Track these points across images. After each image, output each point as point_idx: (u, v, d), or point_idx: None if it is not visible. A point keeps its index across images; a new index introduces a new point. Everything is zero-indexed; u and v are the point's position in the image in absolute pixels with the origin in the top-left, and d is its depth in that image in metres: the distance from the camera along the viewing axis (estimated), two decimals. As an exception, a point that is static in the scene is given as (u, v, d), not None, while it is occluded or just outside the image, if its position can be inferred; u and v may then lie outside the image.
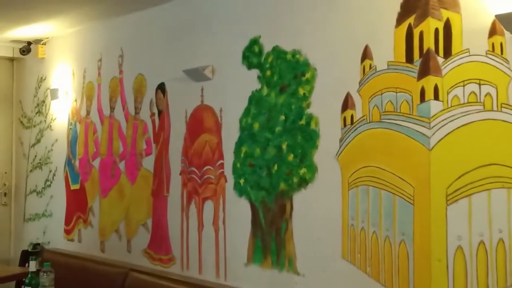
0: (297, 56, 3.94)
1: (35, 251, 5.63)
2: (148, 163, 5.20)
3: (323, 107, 3.77)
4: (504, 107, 2.92)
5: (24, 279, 4.37)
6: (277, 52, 4.08)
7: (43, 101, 6.72)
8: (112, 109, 5.68)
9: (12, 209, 7.15)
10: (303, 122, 3.88)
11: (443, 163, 3.13)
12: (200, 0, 4.77)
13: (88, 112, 6.03)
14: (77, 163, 6.13)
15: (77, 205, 6.11)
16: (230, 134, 4.41)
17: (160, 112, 5.12)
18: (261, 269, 4.13)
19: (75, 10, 5.43)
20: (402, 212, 3.30)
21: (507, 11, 2.85)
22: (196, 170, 4.72)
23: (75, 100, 6.22)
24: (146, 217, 5.20)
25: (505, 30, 2.92)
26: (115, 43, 5.66)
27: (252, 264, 4.20)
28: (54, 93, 6.41)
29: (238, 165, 4.35)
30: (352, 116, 3.59)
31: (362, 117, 3.54)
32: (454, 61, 3.12)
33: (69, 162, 6.26)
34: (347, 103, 3.63)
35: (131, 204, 5.39)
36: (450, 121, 3.11)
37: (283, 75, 4.03)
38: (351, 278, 3.56)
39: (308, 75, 3.87)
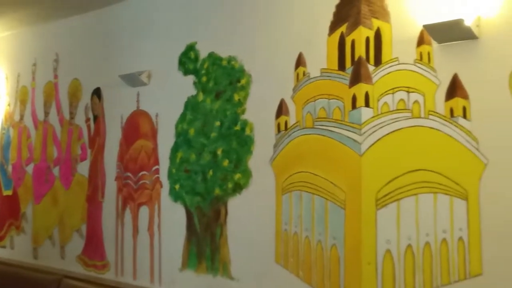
0: (233, 62, 3.95)
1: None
2: (83, 168, 5.12)
3: (258, 113, 3.79)
4: (431, 115, 2.98)
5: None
6: (213, 58, 4.09)
7: (-25, 106, 6.54)
8: (46, 114, 5.57)
9: None
10: (238, 127, 3.89)
11: (373, 169, 3.19)
12: (136, 6, 4.72)
13: (21, 117, 5.89)
14: (10, 169, 5.99)
15: (9, 211, 5.96)
16: (166, 140, 4.39)
17: (95, 117, 5.05)
18: (196, 274, 4.11)
19: (9, 13, 5.33)
20: (334, 217, 3.34)
21: (435, 22, 2.91)
22: (131, 176, 4.67)
23: (9, 105, 6.08)
24: (81, 223, 5.11)
25: (432, 40, 2.99)
26: (50, 47, 5.55)
27: (187, 269, 4.18)
28: (-14, 98, 6.25)
29: (174, 170, 4.32)
30: (286, 122, 3.62)
31: (296, 123, 3.57)
32: (384, 69, 3.18)
33: (1, 167, 6.10)
34: (281, 109, 3.65)
35: (65, 210, 5.29)
36: (380, 127, 3.17)
37: (218, 81, 4.04)
38: (284, 282, 3.57)
39: (243, 82, 3.88)
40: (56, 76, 5.48)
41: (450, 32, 2.88)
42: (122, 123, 4.78)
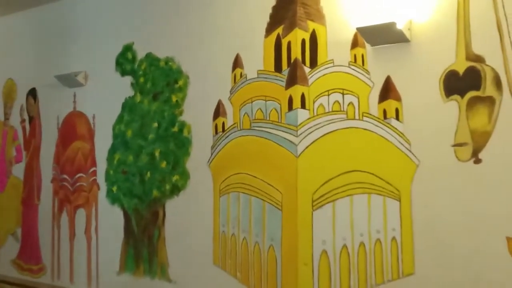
0: (170, 63, 3.92)
1: None
2: (18, 170, 5.01)
3: (196, 115, 3.77)
4: (365, 116, 3.02)
5: None
6: (150, 59, 4.05)
7: None
8: (-21, 114, 5.44)
9: None
10: (175, 129, 3.87)
11: (309, 170, 3.20)
12: (72, 5, 4.65)
13: (-47, 118, 5.74)
14: None
15: None
16: (103, 141, 4.33)
17: (31, 119, 4.95)
18: (133, 278, 4.07)
19: None
20: (271, 218, 3.35)
21: (368, 25, 2.94)
22: (68, 178, 4.59)
23: None
24: (16, 226, 5.00)
25: (366, 43, 3.02)
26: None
27: (125, 273, 4.13)
28: None
29: (111, 172, 4.27)
30: (223, 124, 3.62)
31: (233, 124, 3.56)
32: (320, 71, 3.20)
33: None
34: (218, 111, 3.64)
35: (0, 213, 5.16)
36: (316, 129, 3.18)
37: (156, 82, 4.00)
38: (222, 284, 3.57)
39: (180, 83, 3.86)
40: (-11, 76, 5.36)
41: (383, 35, 2.91)
42: (58, 124, 4.70)
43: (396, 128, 2.91)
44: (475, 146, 2.67)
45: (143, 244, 4.02)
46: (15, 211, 5.02)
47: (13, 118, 5.10)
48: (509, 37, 2.60)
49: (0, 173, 5.19)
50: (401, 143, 2.89)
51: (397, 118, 2.91)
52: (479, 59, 2.67)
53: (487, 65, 2.65)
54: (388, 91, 2.95)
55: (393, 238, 2.90)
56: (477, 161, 2.66)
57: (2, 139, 5.19)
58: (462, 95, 2.71)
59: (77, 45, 4.59)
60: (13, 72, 5.13)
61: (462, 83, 2.71)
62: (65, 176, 4.62)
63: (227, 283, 3.54)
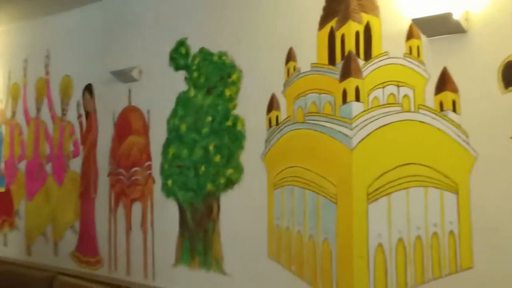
0: (223, 58, 3.94)
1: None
2: (76, 165, 5.12)
3: (249, 108, 3.79)
4: (421, 108, 2.99)
5: None
6: (204, 54, 4.08)
7: (-33, 103, 6.53)
8: (38, 110, 5.56)
9: None
10: (229, 123, 3.89)
11: (364, 163, 3.19)
12: (127, 1, 4.71)
13: (13, 114, 5.88)
14: (2, 166, 5.98)
15: (2, 209, 5.95)
16: (158, 136, 4.38)
17: (87, 114, 5.04)
18: (189, 270, 4.12)
19: (-1, 9, 5.32)
20: (326, 211, 3.35)
21: (423, 16, 2.91)
22: (124, 172, 4.67)
23: (0, 101, 6.06)
24: (74, 219, 5.11)
25: (421, 34, 2.99)
26: (41, 43, 5.54)
27: (180, 265, 4.18)
28: (-22, 95, 6.24)
29: (166, 166, 4.32)
30: (277, 117, 3.62)
31: (287, 118, 3.57)
32: (374, 63, 3.18)
33: (-6, 165, 6.11)
34: (272, 104, 3.65)
35: (58, 207, 5.28)
36: (371, 122, 3.17)
37: (209, 76, 4.03)
38: (276, 277, 3.58)
39: (234, 77, 3.88)
40: (47, 73, 5.47)
41: (439, 26, 2.87)
42: (114, 119, 4.78)
43: (453, 120, 2.87)
44: (535, 138, 2.62)
45: (198, 237, 4.06)
46: (73, 204, 5.13)
47: (70, 113, 5.20)
48: None
49: (58, 167, 5.30)
50: (458, 135, 2.85)
51: (454, 110, 2.87)
52: (539, 49, 2.62)
53: (547, 55, 2.60)
54: (444, 82, 2.91)
55: (451, 232, 2.87)
56: (538, 153, 2.61)
57: (59, 134, 5.30)
58: (521, 86, 2.67)
59: (131, 41, 4.66)
60: (70, 69, 5.24)
61: (521, 73, 2.67)
62: (121, 170, 4.70)
63: (282, 276, 3.55)
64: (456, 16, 2.81)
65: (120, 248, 4.68)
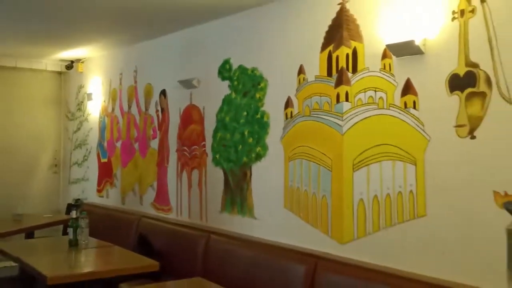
0: (255, 71, 3.92)
1: (76, 204, 5.53)
2: (154, 144, 5.15)
3: (272, 106, 3.76)
4: (391, 106, 2.94)
5: (68, 223, 4.31)
6: (242, 69, 4.06)
7: (82, 102, 6.58)
8: (129, 107, 5.59)
9: (60, 175, 7.02)
10: (258, 116, 3.88)
11: (351, 143, 3.16)
12: (193, 33, 4.70)
13: (113, 109, 5.93)
14: (105, 144, 6.04)
15: (105, 173, 6.02)
16: (210, 124, 4.38)
17: (162, 110, 5.06)
18: (230, 215, 4.13)
19: (102, 40, 5.34)
20: (324, 177, 3.33)
21: (394, 42, 2.87)
22: (187, 149, 4.69)
23: (104, 101, 6.11)
24: (153, 180, 5.15)
25: (392, 55, 2.94)
26: (131, 62, 5.56)
27: (225, 212, 4.20)
28: (89, 96, 6.29)
29: (215, 145, 4.33)
30: (291, 112, 3.60)
31: (298, 113, 3.54)
32: (359, 75, 3.14)
33: (100, 144, 6.16)
34: (288, 103, 3.63)
35: (143, 172, 5.33)
36: (356, 115, 3.13)
37: (245, 84, 4.02)
38: (290, 221, 3.58)
39: (262, 85, 3.86)
40: (135, 82, 5.50)
41: (405, 49, 2.83)
42: (180, 113, 4.79)
43: (413, 115, 2.83)
44: (471, 126, 2.57)
45: (237, 193, 4.07)
46: (152, 171, 5.16)
47: (151, 109, 5.22)
48: (497, 49, 2.48)
49: (143, 146, 5.34)
50: (417, 125, 2.81)
51: (414, 107, 2.83)
52: (475, 65, 2.56)
53: (481, 69, 2.53)
54: (408, 88, 2.87)
55: (411, 191, 2.84)
56: (472, 137, 2.56)
57: (143, 123, 5.34)
58: (462, 91, 2.61)
59: (193, 60, 4.65)
60: (151, 79, 5.25)
61: (462, 82, 2.61)
62: (185, 147, 4.71)
63: (293, 220, 3.55)
64: (417, 42, 2.76)
65: (184, 200, 4.71)
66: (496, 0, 2.49)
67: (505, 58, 2.43)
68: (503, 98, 2.44)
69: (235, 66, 4.13)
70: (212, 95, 4.36)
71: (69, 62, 6.52)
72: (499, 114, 2.45)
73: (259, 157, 3.87)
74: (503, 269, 2.39)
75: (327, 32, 3.35)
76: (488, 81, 2.50)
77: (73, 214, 4.22)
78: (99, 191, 6.15)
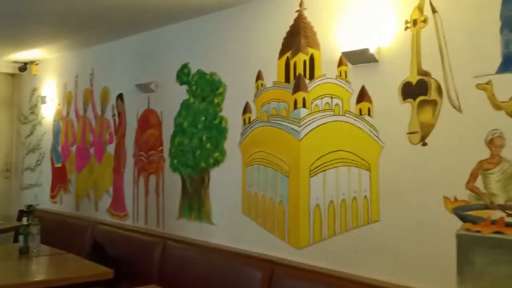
0: (214, 76, 3.91)
1: (28, 211, 5.34)
2: (111, 149, 5.05)
3: (231, 111, 3.76)
4: (347, 113, 2.99)
5: (19, 230, 4.15)
6: (200, 73, 4.04)
7: (35, 105, 6.39)
8: (85, 111, 5.47)
9: (12, 180, 6.79)
10: (217, 121, 3.86)
11: (308, 149, 3.18)
12: (150, 37, 4.64)
13: (67, 113, 5.77)
14: (59, 149, 5.88)
15: (59, 178, 5.86)
16: (168, 129, 4.33)
17: (119, 114, 4.97)
18: (187, 221, 4.09)
19: (57, 41, 5.20)
20: (281, 182, 3.34)
21: (349, 50, 2.91)
22: (144, 154, 4.62)
23: (59, 104, 5.95)
24: (109, 186, 5.05)
25: (348, 62, 2.98)
26: (87, 65, 5.44)
27: (182, 218, 4.15)
28: (43, 99, 6.11)
29: (173, 150, 4.28)
30: (249, 118, 3.60)
31: (256, 118, 3.55)
32: (316, 82, 3.17)
33: (54, 148, 5.99)
34: (246, 109, 3.63)
35: (98, 177, 5.21)
36: (313, 121, 3.16)
37: (204, 89, 4.00)
38: (247, 226, 3.57)
39: (220, 90, 3.84)
40: (92, 85, 5.38)
41: (360, 57, 2.87)
42: (137, 118, 4.71)
43: (368, 121, 2.88)
44: (422, 133, 2.64)
45: (194, 199, 4.04)
46: (108, 176, 5.06)
47: (107, 113, 5.12)
48: (448, 59, 2.56)
49: (99, 150, 5.23)
50: (371, 131, 2.86)
51: (369, 114, 2.88)
52: (427, 73, 2.63)
53: (432, 78, 2.61)
54: (363, 96, 2.92)
55: (365, 196, 2.88)
56: (424, 144, 2.63)
57: (100, 128, 5.22)
58: (414, 98, 2.68)
59: (150, 64, 4.59)
60: (107, 82, 5.15)
61: (414, 90, 2.67)
62: (142, 152, 4.64)
63: (251, 225, 3.54)
64: (372, 50, 2.81)
65: (140, 206, 4.63)
66: (447, 10, 2.57)
67: (455, 68, 2.51)
68: (453, 106, 2.52)
69: (193, 70, 4.10)
70: (170, 100, 4.31)
71: (22, 64, 6.31)
72: (449, 122, 2.53)
73: (217, 162, 3.85)
74: (453, 273, 2.45)
75: (285, 39, 3.37)
76: (439, 90, 2.57)
77: (24, 220, 4.08)
78: (52, 197, 5.97)
